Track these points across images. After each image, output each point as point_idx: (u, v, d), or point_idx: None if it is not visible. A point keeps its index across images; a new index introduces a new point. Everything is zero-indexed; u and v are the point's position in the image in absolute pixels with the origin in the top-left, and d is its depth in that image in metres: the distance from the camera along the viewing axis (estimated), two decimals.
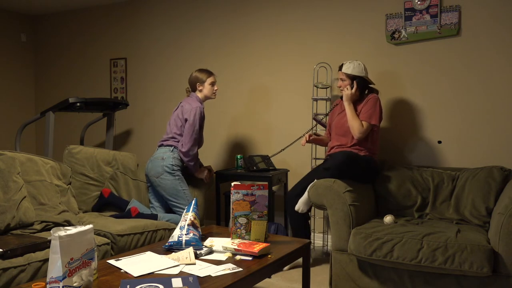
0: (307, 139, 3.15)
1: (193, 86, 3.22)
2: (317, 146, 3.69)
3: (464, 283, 2.29)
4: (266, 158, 3.65)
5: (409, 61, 3.43)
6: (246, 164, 3.59)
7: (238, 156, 3.71)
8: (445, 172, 3.00)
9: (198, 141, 3.17)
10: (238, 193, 2.28)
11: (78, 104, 3.97)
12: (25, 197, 2.45)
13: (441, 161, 3.34)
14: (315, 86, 3.66)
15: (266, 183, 2.39)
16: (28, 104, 5.53)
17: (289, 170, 3.81)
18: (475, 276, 2.25)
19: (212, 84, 3.20)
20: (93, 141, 5.09)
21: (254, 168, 3.52)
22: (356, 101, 3.11)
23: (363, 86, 3.11)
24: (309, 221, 3.23)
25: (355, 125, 2.99)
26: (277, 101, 3.99)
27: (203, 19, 4.35)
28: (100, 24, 5.02)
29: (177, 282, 1.66)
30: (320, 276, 3.03)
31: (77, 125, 5.20)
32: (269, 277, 2.95)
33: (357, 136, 3.00)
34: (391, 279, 2.46)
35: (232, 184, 2.29)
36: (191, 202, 2.30)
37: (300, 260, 3.09)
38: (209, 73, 3.21)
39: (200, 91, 3.20)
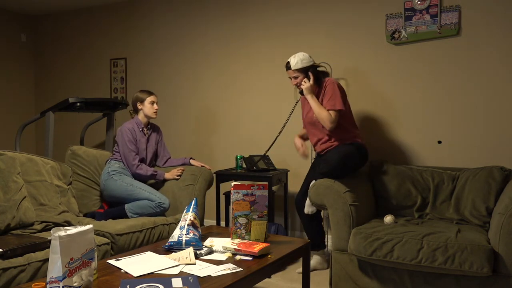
0: (303, 148, 3.19)
1: (134, 107, 3.31)
2: None
3: (464, 283, 2.29)
4: (266, 158, 3.65)
5: (409, 61, 3.43)
6: (246, 164, 3.59)
7: (238, 156, 3.71)
8: (445, 172, 3.00)
9: (144, 156, 3.28)
10: (238, 193, 2.28)
11: (78, 104, 3.97)
12: (25, 197, 2.45)
13: (441, 161, 3.34)
14: None
15: (266, 183, 2.39)
16: (28, 104, 5.53)
17: (289, 170, 3.81)
18: (475, 276, 2.25)
19: (152, 103, 3.26)
20: (93, 141, 5.09)
21: (254, 168, 3.52)
22: (316, 91, 3.05)
23: (316, 74, 3.05)
24: (322, 223, 3.21)
25: (324, 116, 2.92)
26: (277, 101, 3.99)
27: (203, 19, 4.35)
28: (100, 24, 5.02)
29: (177, 282, 1.66)
30: (320, 276, 3.03)
31: (77, 125, 5.20)
32: (269, 277, 2.95)
33: (328, 126, 2.93)
34: (391, 279, 2.46)
35: (232, 184, 2.29)
36: (191, 201, 2.30)
37: (313, 263, 3.11)
38: (149, 93, 3.29)
39: (141, 110, 3.27)
